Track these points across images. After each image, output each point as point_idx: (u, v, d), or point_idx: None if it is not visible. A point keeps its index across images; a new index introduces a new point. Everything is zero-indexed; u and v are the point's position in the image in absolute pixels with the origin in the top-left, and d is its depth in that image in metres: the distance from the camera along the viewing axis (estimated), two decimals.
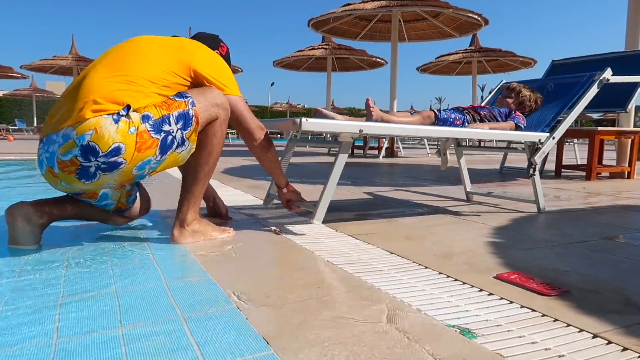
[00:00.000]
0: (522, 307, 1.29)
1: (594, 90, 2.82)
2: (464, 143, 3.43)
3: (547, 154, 2.87)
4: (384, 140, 9.35)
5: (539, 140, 2.69)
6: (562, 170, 5.68)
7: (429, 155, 10.09)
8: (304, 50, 13.86)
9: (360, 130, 2.13)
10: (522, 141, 2.75)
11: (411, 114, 2.77)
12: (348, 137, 2.19)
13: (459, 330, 1.13)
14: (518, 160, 8.49)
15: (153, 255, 1.78)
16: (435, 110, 2.73)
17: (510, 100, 3.08)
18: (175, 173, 4.88)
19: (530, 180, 2.77)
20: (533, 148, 2.72)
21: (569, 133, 5.15)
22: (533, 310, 1.27)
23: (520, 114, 2.95)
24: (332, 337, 1.09)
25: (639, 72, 3.98)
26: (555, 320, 1.20)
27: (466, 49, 14.71)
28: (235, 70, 16.73)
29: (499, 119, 2.88)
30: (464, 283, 1.49)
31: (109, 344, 1.04)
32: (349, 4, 9.04)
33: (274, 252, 1.86)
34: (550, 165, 5.71)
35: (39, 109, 28.37)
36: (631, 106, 3.76)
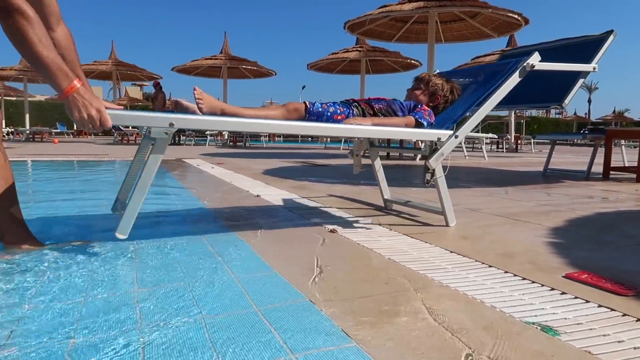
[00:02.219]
0: (599, 306, 1.26)
1: (514, 80, 2.34)
2: (377, 143, 2.86)
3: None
4: (420, 142, 9.26)
5: (438, 139, 2.23)
6: (611, 172, 5.51)
7: (466, 157, 9.95)
8: (337, 53, 13.90)
9: (171, 124, 1.73)
10: (421, 140, 2.53)
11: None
12: (161, 133, 1.75)
13: (539, 328, 1.11)
14: (564, 162, 8.28)
15: (212, 248, 1.82)
16: (308, 102, 2.24)
17: (418, 92, 2.58)
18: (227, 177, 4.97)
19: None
20: (431, 149, 2.28)
21: (619, 133, 4.96)
22: (612, 309, 1.24)
23: (426, 108, 2.45)
24: (410, 331, 1.09)
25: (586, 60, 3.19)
26: (638, 320, 1.17)
27: (503, 50, 14.45)
28: (268, 73, 16.92)
29: (400, 113, 2.41)
30: (532, 282, 1.46)
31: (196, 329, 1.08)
32: (385, 6, 9.02)
33: (335, 249, 1.87)
34: (598, 168, 5.55)
35: None
36: (568, 101, 2.93)
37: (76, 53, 1.96)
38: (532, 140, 16.46)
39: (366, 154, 2.94)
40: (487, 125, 24.23)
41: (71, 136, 26.48)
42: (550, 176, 5.56)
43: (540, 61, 2.38)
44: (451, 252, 1.82)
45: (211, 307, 1.24)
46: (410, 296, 1.32)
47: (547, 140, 20.05)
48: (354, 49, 13.95)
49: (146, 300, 1.27)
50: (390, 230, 2.23)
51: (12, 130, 20.55)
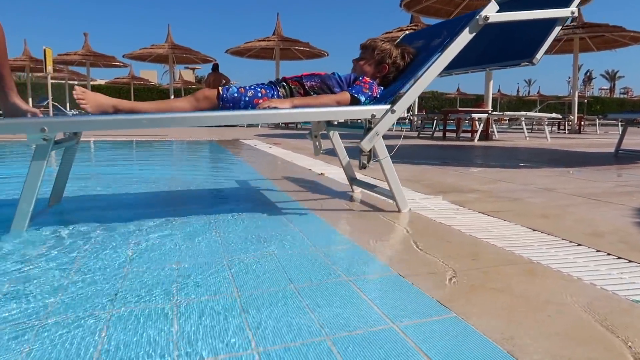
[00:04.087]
0: None
1: (464, 38, 1.97)
2: (335, 123, 2.58)
3: None
4: (477, 123, 9.02)
5: (372, 115, 1.95)
6: None
7: (527, 138, 9.59)
8: (391, 32, 13.61)
9: (43, 130, 1.58)
10: (357, 119, 2.16)
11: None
12: (38, 139, 1.59)
13: None
14: (634, 144, 7.83)
15: (296, 227, 1.85)
16: (221, 89, 2.03)
17: (362, 62, 2.25)
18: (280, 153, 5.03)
19: None
20: (365, 128, 2.00)
21: None
22: None
23: (367, 80, 2.14)
24: (508, 304, 1.07)
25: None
26: None
27: (567, 25, 13.71)
28: (320, 54, 16.84)
29: (336, 89, 2.12)
30: (629, 261, 1.40)
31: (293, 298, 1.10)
32: None
33: (413, 225, 1.85)
34: None
35: (135, 96, 30.35)
36: (540, 56, 2.30)
37: (4, 48, 1.81)
38: (597, 121, 15.64)
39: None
40: (545, 106, 23.21)
41: None
42: (623, 157, 5.26)
43: (498, 11, 2.00)
44: (534, 230, 1.77)
45: (299, 277, 1.26)
46: (501, 271, 1.30)
47: (614, 121, 19.00)
48: (409, 28, 13.60)
49: (234, 266, 1.31)
50: (463, 207, 2.19)
51: (77, 112, 21.55)
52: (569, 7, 2.13)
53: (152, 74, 53.03)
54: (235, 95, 2.00)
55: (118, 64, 20.90)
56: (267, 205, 2.24)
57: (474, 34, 1.99)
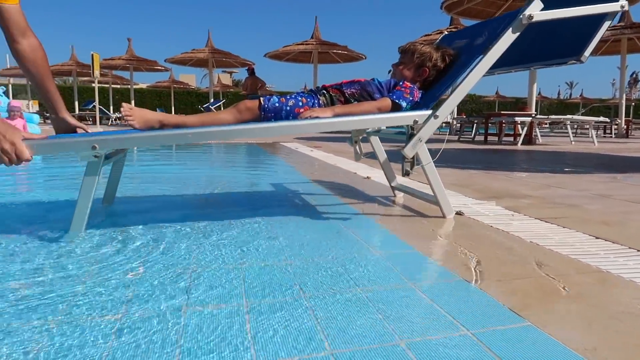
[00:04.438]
0: None
1: (507, 38, 1.91)
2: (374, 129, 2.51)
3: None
4: (520, 126, 8.82)
5: (414, 121, 1.91)
6: None
7: (572, 142, 9.30)
8: (430, 35, 13.47)
9: (94, 147, 1.62)
10: (393, 126, 2.06)
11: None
12: (90, 157, 1.64)
13: None
14: None
15: (347, 228, 1.86)
16: (263, 99, 2.02)
17: (402, 67, 2.21)
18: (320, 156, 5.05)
19: None
20: (408, 134, 1.97)
21: None
22: None
23: (407, 85, 2.10)
24: (583, 313, 1.04)
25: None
26: None
27: (615, 26, 13.23)
28: (358, 57, 16.83)
29: (377, 95, 2.10)
30: None
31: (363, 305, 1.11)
32: None
33: (467, 230, 1.83)
34: None
35: (175, 99, 31.08)
36: (587, 53, 2.17)
37: (44, 63, 1.88)
38: None
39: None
40: (589, 109, 22.47)
41: None
42: None
43: (543, 9, 1.90)
44: (597, 237, 1.72)
45: (366, 282, 1.26)
46: (570, 280, 1.26)
47: None
48: (449, 30, 13.44)
49: (299, 266, 1.33)
50: (519, 213, 2.14)
51: (120, 115, 22.23)
52: (618, 1, 2.00)
53: (191, 78, 54.18)
54: (277, 105, 2.01)
55: (159, 68, 21.47)
56: (318, 208, 2.26)
57: (518, 33, 1.92)
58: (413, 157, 1.95)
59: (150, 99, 36.45)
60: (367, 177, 3.37)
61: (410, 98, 2.07)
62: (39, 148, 1.61)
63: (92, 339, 0.93)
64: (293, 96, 2.06)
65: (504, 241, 1.67)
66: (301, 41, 15.55)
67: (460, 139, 10.06)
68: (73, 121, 1.97)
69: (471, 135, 10.56)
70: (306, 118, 1.89)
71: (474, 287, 1.21)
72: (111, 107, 22.38)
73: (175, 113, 27.49)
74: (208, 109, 15.96)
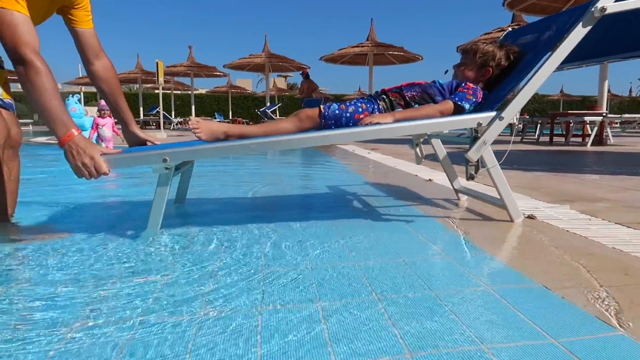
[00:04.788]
0: None
1: (578, 33, 1.80)
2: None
3: None
4: (589, 126, 8.37)
5: (478, 124, 1.86)
6: None
7: None
8: (491, 33, 13.07)
9: (165, 160, 1.71)
10: (456, 130, 1.97)
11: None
12: (162, 169, 1.73)
13: None
14: None
15: (416, 231, 1.83)
16: (323, 107, 2.01)
17: (463, 68, 2.15)
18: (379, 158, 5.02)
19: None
20: (472, 137, 1.91)
21: None
22: None
23: (470, 86, 2.04)
24: None
25: None
26: None
27: None
28: (415, 58, 16.59)
29: (438, 98, 2.04)
30: None
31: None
32: None
33: (544, 234, 1.76)
34: None
35: (232, 104, 31.88)
36: None
37: (116, 82, 2.06)
38: None
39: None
40: None
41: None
42: None
43: (617, 0, 1.74)
44: None
45: (441, 286, 1.24)
46: None
47: None
48: (511, 27, 13.00)
49: (369, 271, 1.32)
50: (596, 217, 2.03)
51: (181, 120, 23.07)
52: None
53: (247, 82, 55.41)
54: (337, 112, 2.00)
55: (218, 73, 22.11)
56: (382, 210, 2.24)
57: (589, 27, 1.80)
58: (478, 161, 1.90)
59: (209, 103, 37.60)
60: (430, 180, 3.31)
61: (474, 99, 2.00)
62: (116, 162, 1.70)
63: (173, 335, 0.97)
64: (353, 102, 2.05)
65: (583, 247, 1.59)
66: (356, 44, 15.52)
67: (523, 140, 9.69)
68: (143, 135, 2.11)
69: (534, 135, 10.14)
70: (367, 124, 1.88)
71: (555, 294, 1.16)
72: (173, 112, 23.27)
73: (232, 117, 28.25)
74: (264, 113, 16.27)
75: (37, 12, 1.75)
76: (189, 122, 1.91)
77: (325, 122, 1.99)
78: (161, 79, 11.24)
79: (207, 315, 1.05)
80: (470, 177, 1.93)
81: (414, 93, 2.06)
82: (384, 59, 16.78)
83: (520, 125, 11.34)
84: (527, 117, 10.93)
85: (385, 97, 2.07)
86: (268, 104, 17.96)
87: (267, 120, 16.42)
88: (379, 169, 4.19)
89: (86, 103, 26.82)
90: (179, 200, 2.45)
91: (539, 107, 32.73)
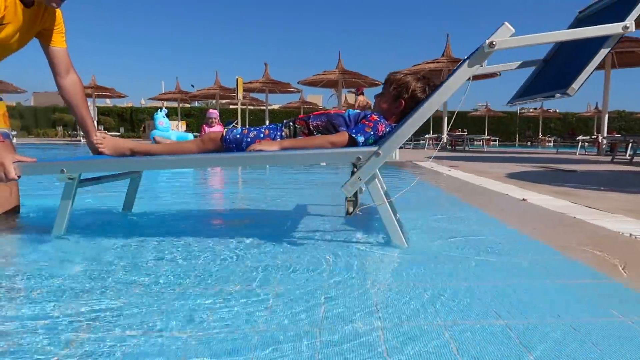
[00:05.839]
0: None
1: (461, 74, 1.74)
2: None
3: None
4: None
5: (357, 158, 1.79)
6: None
7: None
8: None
9: (62, 171, 1.86)
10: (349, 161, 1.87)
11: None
12: (64, 178, 1.89)
13: None
14: None
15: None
16: (225, 131, 2.05)
17: (379, 99, 2.12)
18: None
19: None
20: (352, 172, 1.82)
21: None
22: None
23: (374, 118, 1.98)
24: None
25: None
26: None
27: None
28: (492, 75, 16.12)
29: (342, 128, 1.99)
30: None
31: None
32: None
33: None
34: None
35: None
36: (577, 86, 1.79)
37: (82, 95, 2.30)
38: None
39: None
40: None
41: None
42: None
43: (513, 35, 1.67)
44: None
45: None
46: None
47: None
48: None
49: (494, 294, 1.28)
50: None
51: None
52: (621, 22, 1.68)
53: (318, 98, 56.13)
54: (238, 136, 2.03)
55: (292, 89, 22.66)
56: (489, 230, 2.18)
57: (477, 65, 1.72)
58: (356, 197, 1.86)
59: (280, 118, 38.33)
60: (524, 200, 3.18)
61: (371, 132, 1.94)
62: (23, 169, 1.92)
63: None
64: (257, 128, 2.08)
65: None
66: (432, 59, 15.37)
67: (615, 159, 9.09)
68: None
69: (625, 155, 9.48)
70: (251, 151, 1.90)
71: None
72: (247, 125, 24.04)
73: None
74: None
75: (13, 35, 2.03)
76: (94, 138, 2.07)
77: (227, 146, 2.02)
78: (240, 95, 11.71)
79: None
80: (347, 213, 1.85)
81: (319, 122, 2.05)
82: None
83: (608, 145, 10.66)
84: (618, 135, 10.26)
85: (291, 124, 2.08)
86: None
87: None
88: (468, 187, 4.09)
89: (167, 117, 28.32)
90: (126, 207, 2.56)
91: (626, 126, 30.68)
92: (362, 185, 1.82)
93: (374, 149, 1.77)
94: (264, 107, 23.18)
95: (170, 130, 8.65)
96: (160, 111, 9.12)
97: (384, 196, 1.76)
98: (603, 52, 1.80)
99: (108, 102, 33.10)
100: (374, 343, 0.98)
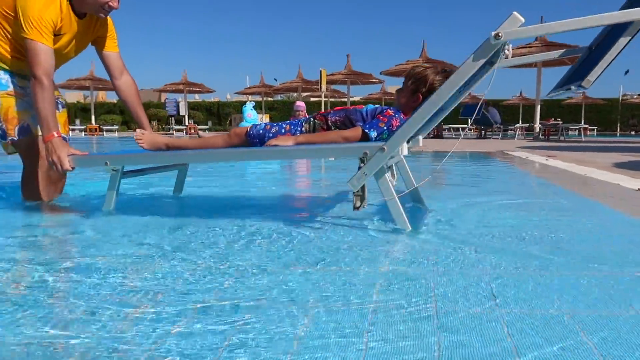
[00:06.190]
0: None
1: (469, 66, 1.67)
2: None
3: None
4: None
5: (364, 153, 1.80)
6: None
7: None
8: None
9: (106, 163, 2.11)
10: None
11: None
12: (109, 170, 2.14)
13: None
14: None
15: None
16: (250, 126, 2.13)
17: (398, 94, 2.13)
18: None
19: None
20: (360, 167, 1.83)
21: None
22: None
23: (389, 113, 1.99)
24: None
25: None
26: None
27: None
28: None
29: (359, 123, 2.01)
30: None
31: None
32: None
33: None
34: None
35: None
36: (594, 78, 1.66)
37: (136, 94, 2.57)
38: None
39: None
40: None
41: None
42: None
43: (522, 25, 1.58)
44: None
45: None
46: None
47: None
48: None
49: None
50: None
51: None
52: None
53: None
54: (261, 132, 2.10)
55: (374, 80, 22.48)
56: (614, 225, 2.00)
57: (483, 59, 1.64)
58: (363, 191, 1.83)
59: None
60: (639, 189, 2.90)
61: (385, 128, 1.95)
62: (76, 162, 2.14)
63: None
64: (279, 123, 2.13)
65: None
66: (525, 44, 14.51)
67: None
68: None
69: None
70: (268, 146, 1.99)
71: None
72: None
73: None
74: None
75: (68, 43, 2.30)
76: (134, 134, 2.24)
77: (251, 140, 2.10)
78: (324, 87, 11.78)
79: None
80: (355, 208, 1.85)
81: (337, 118, 2.08)
82: (554, 60, 15.42)
83: None
84: None
85: (312, 120, 2.13)
86: None
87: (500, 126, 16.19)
88: (572, 178, 3.80)
89: None
90: (176, 190, 2.74)
91: None
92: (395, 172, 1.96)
93: (380, 144, 1.78)
94: (346, 99, 23.17)
95: (257, 121, 8.91)
96: (248, 104, 9.43)
97: (393, 192, 1.79)
98: (622, 41, 1.68)
99: (197, 97, 34.78)
100: None
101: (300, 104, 8.57)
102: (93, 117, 24.04)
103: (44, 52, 2.10)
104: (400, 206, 1.79)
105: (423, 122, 1.76)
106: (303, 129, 2.11)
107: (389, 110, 2.02)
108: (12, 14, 2.15)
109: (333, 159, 2.51)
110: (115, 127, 24.39)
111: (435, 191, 2.96)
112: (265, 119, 24.41)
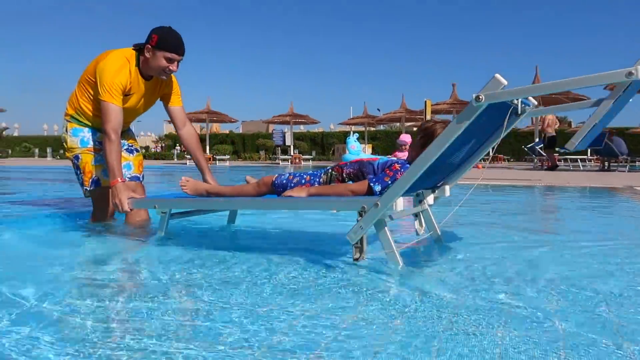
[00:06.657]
0: None
1: (452, 129, 1.64)
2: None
3: None
4: None
5: (362, 207, 1.79)
6: None
7: None
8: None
9: (155, 207, 2.41)
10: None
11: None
12: (159, 212, 2.42)
13: None
14: None
15: None
16: (276, 176, 2.25)
17: (411, 148, 2.19)
18: None
19: None
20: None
21: None
22: None
23: (396, 167, 2.00)
24: None
25: None
26: None
27: None
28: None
29: (370, 176, 2.05)
30: None
31: None
32: None
33: None
34: None
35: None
36: (577, 141, 1.68)
37: (197, 143, 2.90)
38: None
39: None
40: None
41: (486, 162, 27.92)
42: None
43: (505, 87, 1.57)
44: None
45: None
46: None
47: None
48: None
49: None
50: None
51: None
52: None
53: None
54: (284, 182, 2.21)
55: None
56: None
57: (467, 121, 1.61)
58: (361, 243, 1.85)
59: None
60: None
61: (389, 182, 1.96)
62: (133, 204, 2.44)
63: None
64: (301, 173, 2.23)
65: None
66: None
67: None
68: (211, 182, 2.74)
69: None
70: (283, 197, 2.14)
71: None
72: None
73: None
74: (532, 149, 15.20)
75: (137, 101, 2.69)
76: (180, 181, 2.46)
77: (276, 190, 2.23)
78: (428, 117, 11.58)
79: None
80: (354, 259, 1.86)
81: (351, 170, 2.17)
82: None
83: None
84: None
85: (330, 171, 2.21)
86: (536, 140, 16.60)
87: (534, 156, 15.18)
88: None
89: None
90: (230, 221, 2.93)
91: None
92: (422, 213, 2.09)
93: (375, 199, 1.80)
94: None
95: (360, 153, 8.98)
96: (352, 135, 9.55)
97: (393, 245, 1.81)
98: (606, 103, 1.68)
99: (302, 128, 35.97)
100: None
101: (406, 136, 8.20)
102: (207, 147, 25.82)
103: (114, 111, 2.48)
104: (400, 258, 1.80)
105: (415, 178, 1.73)
106: (321, 180, 2.22)
107: (395, 164, 2.06)
108: (94, 79, 2.53)
109: (335, 211, 2.59)
110: (227, 156, 25.94)
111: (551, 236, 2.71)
112: (368, 149, 24.53)
